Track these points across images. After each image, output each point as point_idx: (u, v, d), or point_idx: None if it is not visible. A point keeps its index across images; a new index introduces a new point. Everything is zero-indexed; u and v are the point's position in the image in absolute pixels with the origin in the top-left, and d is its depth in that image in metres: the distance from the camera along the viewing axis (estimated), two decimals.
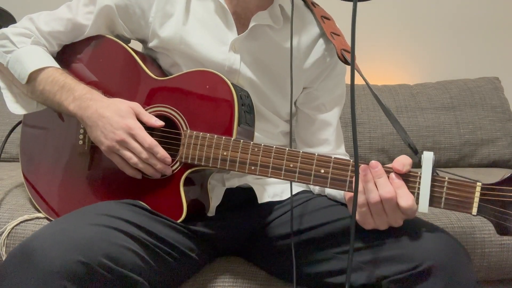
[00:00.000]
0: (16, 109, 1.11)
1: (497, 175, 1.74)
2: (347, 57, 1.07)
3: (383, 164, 0.87)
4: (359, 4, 0.78)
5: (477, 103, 2.00)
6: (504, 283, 1.29)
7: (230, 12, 1.06)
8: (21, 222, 1.10)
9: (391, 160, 1.93)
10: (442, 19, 2.35)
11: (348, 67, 1.03)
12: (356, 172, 0.81)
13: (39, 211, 1.12)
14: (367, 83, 1.04)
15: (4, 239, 1.08)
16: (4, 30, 1.10)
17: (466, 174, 1.71)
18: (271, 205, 1.11)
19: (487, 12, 2.35)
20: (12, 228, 1.09)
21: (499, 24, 2.36)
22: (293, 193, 1.14)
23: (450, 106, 1.99)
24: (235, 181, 1.10)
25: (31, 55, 1.06)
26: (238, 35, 1.06)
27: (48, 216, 1.11)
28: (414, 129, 1.93)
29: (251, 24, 1.06)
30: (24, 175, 1.15)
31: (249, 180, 1.11)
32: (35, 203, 1.13)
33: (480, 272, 1.22)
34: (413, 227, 0.90)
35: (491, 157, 1.95)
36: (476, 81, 2.09)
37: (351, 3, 0.77)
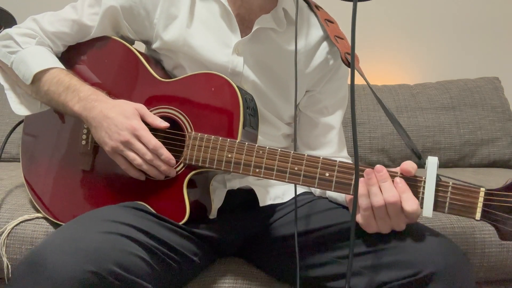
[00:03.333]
0: (20, 110, 1.11)
1: (497, 175, 1.76)
2: None
3: (386, 167, 0.87)
4: (359, 4, 0.78)
5: (477, 103, 2.00)
6: (504, 283, 1.30)
7: (233, 15, 1.06)
8: (21, 222, 1.10)
9: (391, 160, 1.95)
10: (442, 19, 2.36)
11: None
12: (356, 172, 0.81)
13: (39, 211, 1.12)
14: (369, 86, 1.04)
15: (4, 239, 1.07)
16: (8, 30, 1.09)
17: (466, 174, 1.73)
18: (272, 207, 1.11)
19: (487, 12, 2.36)
20: (12, 228, 1.09)
21: (499, 24, 2.36)
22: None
23: (450, 106, 1.99)
24: (236, 183, 1.10)
25: (36, 56, 1.06)
26: (242, 37, 1.06)
27: (47, 216, 1.10)
28: (414, 129, 1.93)
29: (255, 27, 1.06)
30: (24, 176, 1.15)
31: (251, 181, 1.11)
32: (35, 203, 1.12)
33: (480, 272, 1.22)
34: (414, 233, 0.90)
35: (491, 157, 1.96)
36: (476, 81, 2.09)
37: (351, 4, 0.77)
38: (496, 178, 1.66)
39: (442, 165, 1.95)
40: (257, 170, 0.92)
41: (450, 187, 0.83)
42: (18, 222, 1.10)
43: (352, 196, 0.90)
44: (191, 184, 0.98)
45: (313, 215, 1.05)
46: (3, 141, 1.26)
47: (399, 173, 0.87)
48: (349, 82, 1.14)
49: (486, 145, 1.96)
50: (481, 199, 0.82)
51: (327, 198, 1.11)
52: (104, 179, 1.06)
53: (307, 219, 1.04)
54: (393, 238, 0.89)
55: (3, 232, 1.08)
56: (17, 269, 0.78)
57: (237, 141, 0.94)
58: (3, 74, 1.13)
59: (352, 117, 0.79)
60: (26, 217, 1.11)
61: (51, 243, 0.78)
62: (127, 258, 0.82)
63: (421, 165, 0.87)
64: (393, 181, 0.85)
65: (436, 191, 0.83)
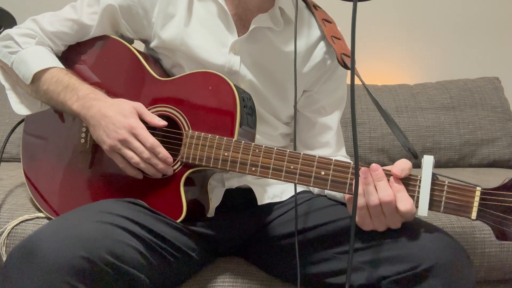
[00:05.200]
0: (21, 109, 1.12)
1: (497, 175, 1.76)
2: (347, 62, 1.07)
3: (383, 165, 0.87)
4: (359, 4, 0.78)
5: (477, 103, 2.00)
6: (504, 283, 1.29)
7: (230, 14, 1.06)
8: (21, 222, 1.10)
9: (391, 160, 1.95)
10: (442, 19, 2.36)
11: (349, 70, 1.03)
12: (356, 172, 0.81)
13: (39, 209, 1.12)
14: (365, 87, 1.04)
15: (4, 239, 1.08)
16: (8, 31, 1.10)
17: (466, 174, 1.73)
18: (271, 206, 1.11)
19: (487, 12, 2.35)
20: (12, 228, 1.09)
21: (499, 24, 2.36)
22: (293, 194, 1.14)
23: (450, 106, 1.99)
24: (234, 182, 1.10)
25: (36, 56, 1.07)
26: (239, 37, 1.06)
27: (48, 215, 1.11)
28: (414, 129, 1.93)
29: (252, 27, 1.06)
30: (25, 173, 1.16)
31: (249, 180, 1.11)
32: (35, 201, 1.13)
33: (480, 272, 1.22)
34: (412, 227, 0.90)
35: (491, 157, 1.96)
36: (476, 81, 2.09)
37: (351, 4, 0.76)
38: (496, 178, 1.65)
39: (442, 165, 1.95)
40: (253, 168, 0.93)
41: (445, 186, 0.83)
42: (18, 222, 1.10)
43: (350, 195, 0.90)
44: (189, 182, 0.99)
45: (312, 213, 1.05)
46: (4, 142, 1.26)
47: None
48: (348, 82, 1.14)
49: (486, 145, 1.96)
50: (477, 199, 0.82)
51: (325, 195, 1.11)
52: (102, 177, 1.06)
53: (306, 217, 1.04)
54: (391, 233, 0.89)
55: (3, 232, 1.08)
56: (11, 255, 0.78)
57: (233, 139, 0.94)
58: (4, 74, 1.14)
59: (352, 117, 0.79)
60: (26, 217, 1.11)
61: (45, 230, 0.79)
62: (121, 247, 0.82)
63: (418, 164, 0.87)
64: (388, 180, 0.85)
65: (432, 190, 0.83)
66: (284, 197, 1.14)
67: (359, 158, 0.82)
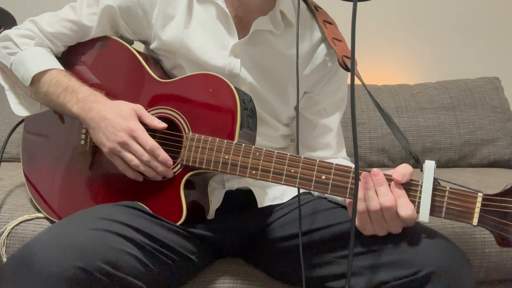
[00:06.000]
0: (20, 110, 1.11)
1: (497, 175, 1.76)
2: (348, 64, 1.06)
3: (383, 166, 0.87)
4: (359, 4, 0.78)
5: (477, 103, 2.00)
6: (504, 283, 1.29)
7: (231, 17, 1.06)
8: (21, 222, 1.10)
9: (391, 160, 1.95)
10: (442, 19, 2.35)
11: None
12: (356, 172, 0.81)
13: (39, 211, 1.12)
14: (367, 90, 1.03)
15: (4, 239, 1.08)
16: (7, 31, 1.09)
17: (466, 174, 1.73)
18: (271, 208, 1.11)
19: (487, 12, 2.35)
20: (12, 228, 1.09)
21: (499, 24, 2.36)
22: (293, 195, 1.14)
23: (450, 106, 1.99)
24: (235, 183, 1.10)
25: (35, 57, 1.06)
26: (239, 39, 1.06)
27: (48, 216, 1.11)
28: (414, 129, 1.93)
29: (252, 29, 1.05)
30: (24, 174, 1.16)
31: (249, 182, 1.11)
32: (35, 202, 1.13)
33: (480, 272, 1.22)
34: (413, 232, 0.90)
35: (491, 157, 1.96)
36: (476, 81, 2.09)
37: (351, 4, 0.76)
38: (496, 178, 1.66)
39: (442, 165, 1.95)
40: (254, 172, 0.92)
41: (447, 192, 0.83)
42: (18, 222, 1.10)
43: (350, 199, 0.90)
44: (189, 185, 0.99)
45: (312, 215, 1.05)
46: (4, 142, 1.26)
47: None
48: (349, 82, 1.13)
49: (486, 145, 1.96)
50: (478, 204, 0.81)
51: (326, 198, 1.11)
52: (102, 179, 1.06)
53: (307, 219, 1.03)
54: (392, 238, 0.89)
55: (3, 232, 1.09)
56: (6, 264, 0.78)
57: (234, 142, 0.94)
58: (3, 75, 1.14)
59: (352, 117, 0.79)
60: (26, 217, 1.11)
61: (41, 238, 0.79)
62: (117, 255, 0.82)
63: (419, 167, 0.87)
64: (389, 185, 0.85)
65: (433, 195, 0.83)
66: (285, 199, 1.14)
67: (359, 158, 0.81)
